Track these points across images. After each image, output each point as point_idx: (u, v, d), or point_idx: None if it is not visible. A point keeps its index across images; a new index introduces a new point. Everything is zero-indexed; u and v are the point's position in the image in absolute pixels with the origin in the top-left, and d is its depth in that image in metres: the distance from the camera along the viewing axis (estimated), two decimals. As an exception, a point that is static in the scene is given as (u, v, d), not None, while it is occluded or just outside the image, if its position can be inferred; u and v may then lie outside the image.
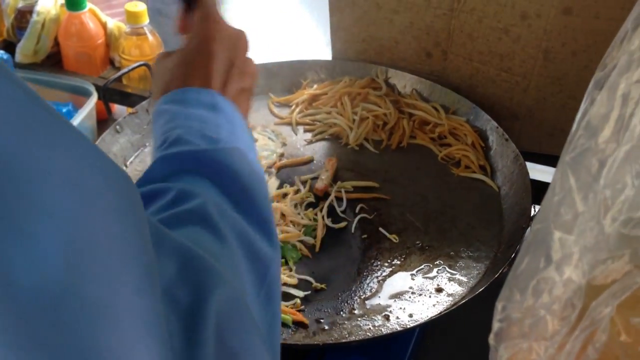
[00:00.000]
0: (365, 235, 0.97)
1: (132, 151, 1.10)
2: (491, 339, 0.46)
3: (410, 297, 0.88)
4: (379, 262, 0.93)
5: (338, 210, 1.01)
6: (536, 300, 0.44)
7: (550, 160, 0.95)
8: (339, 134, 1.16)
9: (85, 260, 0.29)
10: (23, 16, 1.27)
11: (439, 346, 0.89)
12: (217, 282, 0.41)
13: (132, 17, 1.23)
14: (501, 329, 0.46)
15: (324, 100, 1.20)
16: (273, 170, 1.08)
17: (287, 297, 0.87)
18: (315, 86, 1.24)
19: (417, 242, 0.96)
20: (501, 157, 1.07)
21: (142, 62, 1.18)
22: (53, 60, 1.31)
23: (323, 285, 0.90)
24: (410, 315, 0.86)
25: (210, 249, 0.46)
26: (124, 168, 1.06)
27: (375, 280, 0.90)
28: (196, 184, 0.53)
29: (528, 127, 1.15)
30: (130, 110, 1.13)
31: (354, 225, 0.98)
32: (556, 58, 1.06)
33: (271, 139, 1.15)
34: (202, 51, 0.65)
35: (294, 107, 1.21)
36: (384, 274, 0.92)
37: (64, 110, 1.17)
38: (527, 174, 0.99)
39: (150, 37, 1.25)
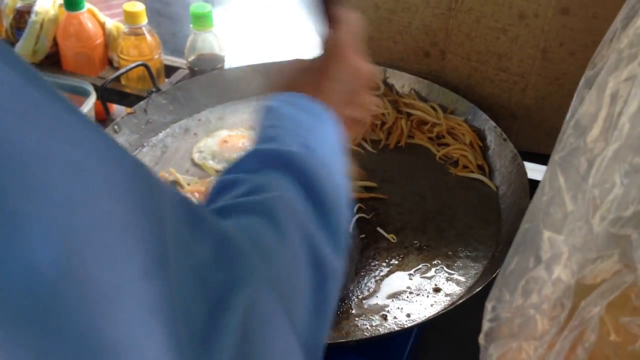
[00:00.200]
0: (363, 235, 0.97)
1: (130, 151, 1.10)
2: (481, 339, 0.46)
3: (408, 296, 0.88)
4: (376, 262, 0.93)
5: (336, 210, 1.01)
6: (525, 300, 0.44)
7: (549, 160, 0.95)
8: (337, 134, 1.16)
9: (86, 244, 0.29)
10: (21, 16, 1.27)
11: (436, 346, 0.89)
12: (252, 277, 0.40)
13: (130, 17, 1.23)
14: (491, 329, 0.45)
15: (323, 100, 1.20)
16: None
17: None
18: (313, 86, 1.23)
19: (415, 242, 0.96)
20: (499, 157, 1.07)
21: (140, 62, 1.17)
22: (52, 61, 1.32)
23: (320, 285, 0.89)
24: (408, 315, 0.85)
25: (265, 242, 0.46)
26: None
27: (373, 280, 0.90)
28: (278, 181, 0.53)
29: (526, 127, 1.15)
30: (129, 110, 1.13)
31: (351, 225, 0.98)
32: (554, 58, 1.06)
33: (269, 138, 1.14)
34: (325, 69, 0.68)
35: (292, 107, 1.21)
36: (382, 273, 0.91)
37: (63, 110, 1.18)
38: (525, 173, 0.99)
39: (148, 37, 1.25)
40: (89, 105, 1.14)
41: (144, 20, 1.24)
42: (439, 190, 1.05)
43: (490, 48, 1.11)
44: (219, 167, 1.08)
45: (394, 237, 0.96)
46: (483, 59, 1.13)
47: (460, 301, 0.84)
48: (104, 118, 1.21)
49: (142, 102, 1.13)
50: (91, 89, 1.18)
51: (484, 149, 1.10)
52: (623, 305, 0.41)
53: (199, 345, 0.34)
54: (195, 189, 1.01)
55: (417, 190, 1.05)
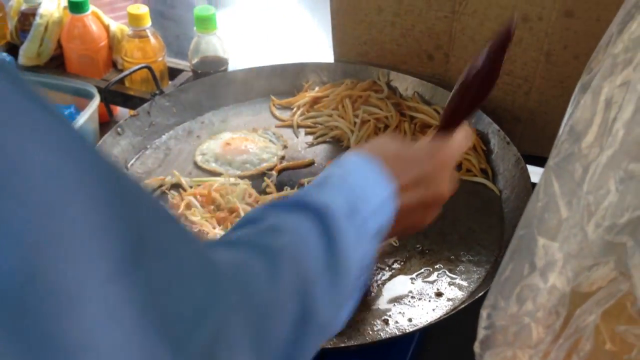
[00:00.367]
0: (364, 239, 0.97)
1: (133, 153, 1.10)
2: (476, 347, 0.46)
3: (409, 301, 0.88)
4: (378, 266, 0.92)
5: (338, 213, 1.00)
6: (520, 307, 0.43)
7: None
8: (340, 137, 1.16)
9: (55, 247, 0.29)
10: (26, 19, 1.28)
11: (438, 351, 0.88)
12: (219, 304, 0.40)
13: (134, 20, 1.23)
14: (486, 337, 0.45)
15: (326, 103, 1.20)
16: (274, 173, 1.08)
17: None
18: (316, 89, 1.23)
19: (417, 246, 0.96)
20: (502, 161, 1.06)
21: (144, 65, 1.18)
22: (56, 63, 1.32)
23: (321, 289, 0.89)
24: (410, 320, 0.85)
25: (251, 281, 0.47)
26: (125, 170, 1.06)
27: (374, 284, 0.90)
28: (302, 224, 0.54)
29: (530, 130, 1.14)
30: (132, 112, 1.13)
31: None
32: (558, 61, 1.05)
33: (272, 141, 1.14)
34: (416, 158, 0.69)
35: (295, 109, 1.21)
36: (384, 277, 0.91)
37: (66, 112, 1.18)
38: (529, 177, 0.99)
39: (152, 39, 1.25)
40: (92, 108, 1.14)
41: (148, 23, 1.24)
42: (442, 194, 1.05)
43: (494, 51, 1.10)
44: (222, 169, 1.08)
45: (396, 241, 0.96)
46: (487, 62, 1.12)
47: (463, 306, 0.84)
48: (107, 120, 1.21)
49: (145, 105, 1.13)
50: (95, 91, 1.18)
51: (487, 153, 1.09)
52: (619, 313, 0.40)
53: (165, 351, 0.34)
54: (197, 192, 1.01)
55: (419, 194, 1.05)
